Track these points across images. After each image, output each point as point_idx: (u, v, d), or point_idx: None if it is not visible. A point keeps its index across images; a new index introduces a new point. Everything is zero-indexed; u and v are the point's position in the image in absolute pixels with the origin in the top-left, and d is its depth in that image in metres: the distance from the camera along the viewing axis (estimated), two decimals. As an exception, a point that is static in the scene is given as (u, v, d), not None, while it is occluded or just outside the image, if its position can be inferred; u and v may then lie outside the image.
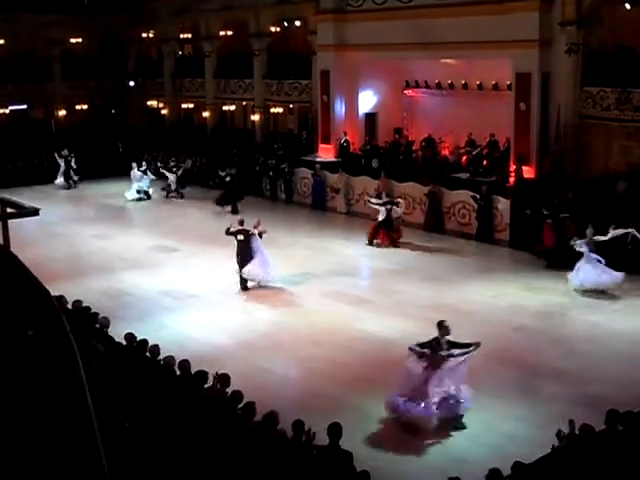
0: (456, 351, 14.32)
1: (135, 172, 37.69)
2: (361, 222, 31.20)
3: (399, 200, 28.54)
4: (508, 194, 27.61)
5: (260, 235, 22.61)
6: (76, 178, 41.03)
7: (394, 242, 27.65)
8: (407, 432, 14.10)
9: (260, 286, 22.98)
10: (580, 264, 22.03)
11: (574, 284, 22.10)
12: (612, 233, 22.18)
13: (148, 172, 38.36)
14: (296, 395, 15.83)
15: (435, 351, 14.22)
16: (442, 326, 14.44)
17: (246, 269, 22.51)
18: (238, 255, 22.73)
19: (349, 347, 18.34)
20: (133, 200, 37.23)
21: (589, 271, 21.88)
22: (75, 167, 41.11)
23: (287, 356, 18.05)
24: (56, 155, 40.92)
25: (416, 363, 14.53)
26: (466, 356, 14.39)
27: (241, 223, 23.01)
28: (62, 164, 40.87)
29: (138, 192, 37.39)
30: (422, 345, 14.46)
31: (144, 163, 38.83)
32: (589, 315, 20.29)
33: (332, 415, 12.16)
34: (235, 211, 33.09)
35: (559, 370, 16.58)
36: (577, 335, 18.93)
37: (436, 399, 14.14)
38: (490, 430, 14.15)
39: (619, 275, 21.75)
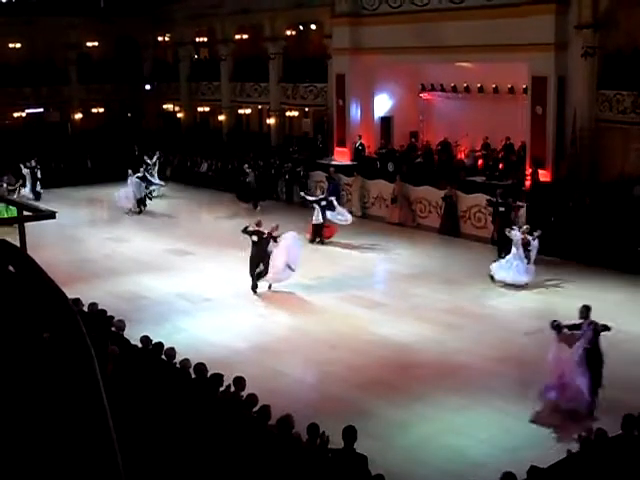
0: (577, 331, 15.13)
1: (133, 179, 35.69)
2: (376, 225, 31.21)
3: (332, 199, 28.85)
4: (524, 198, 27.52)
5: (275, 239, 22.57)
6: (40, 189, 38.18)
7: (322, 239, 28.39)
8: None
9: (271, 289, 22.95)
10: (508, 258, 22.98)
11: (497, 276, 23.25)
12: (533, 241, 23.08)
13: (146, 176, 36.86)
14: (311, 398, 15.82)
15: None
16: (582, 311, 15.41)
17: (270, 271, 22.61)
18: (251, 256, 22.75)
19: (365, 351, 18.31)
20: (132, 211, 35.36)
21: (505, 266, 23.08)
22: (40, 178, 38.53)
23: (302, 360, 18.05)
24: (21, 166, 38.13)
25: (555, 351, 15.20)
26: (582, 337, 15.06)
27: (258, 224, 23.02)
28: (28, 175, 37.95)
29: (139, 202, 35.48)
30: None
31: (142, 169, 36.92)
32: (607, 319, 20.16)
33: (347, 418, 12.14)
34: (255, 206, 34.12)
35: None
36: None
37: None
38: (506, 434, 14.11)
39: (524, 278, 22.80)
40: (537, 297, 22.11)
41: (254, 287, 22.80)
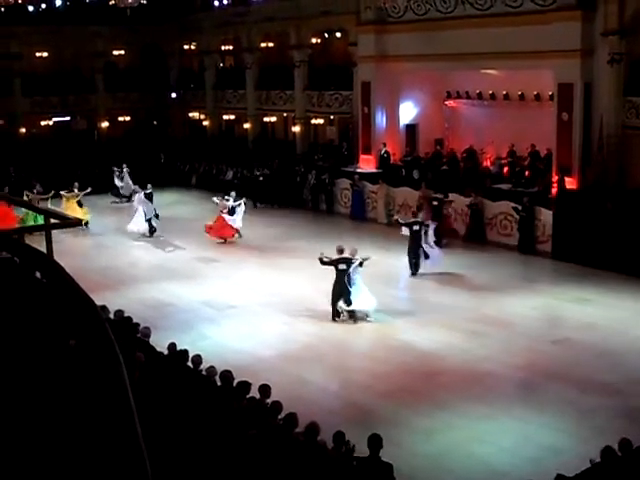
0: None
1: (140, 196, 32.30)
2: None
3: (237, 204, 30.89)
4: (550, 205, 27.41)
5: (361, 264, 21.00)
6: None
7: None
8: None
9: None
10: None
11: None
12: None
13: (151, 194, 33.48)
14: (336, 406, 15.81)
15: None
16: None
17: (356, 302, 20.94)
18: (336, 285, 21.03)
19: (389, 358, 18.29)
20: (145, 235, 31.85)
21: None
22: None
23: (327, 367, 18.02)
24: None
25: None
26: None
27: (340, 251, 21.25)
28: None
29: (149, 223, 31.91)
30: None
31: (149, 186, 33.52)
32: (633, 328, 20.05)
33: (372, 426, 12.13)
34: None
35: (602, 383, 16.42)
36: (621, 347, 18.69)
37: None
38: (532, 443, 14.04)
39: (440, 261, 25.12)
40: (565, 306, 21.99)
41: (335, 315, 21.21)
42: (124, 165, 39.35)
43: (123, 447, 2.76)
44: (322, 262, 21.19)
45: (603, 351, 18.44)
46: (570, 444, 13.82)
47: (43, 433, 2.84)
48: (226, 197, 31.17)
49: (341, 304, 21.02)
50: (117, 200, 39.41)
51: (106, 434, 2.77)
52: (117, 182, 39.06)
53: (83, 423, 2.83)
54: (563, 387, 16.43)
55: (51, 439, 2.83)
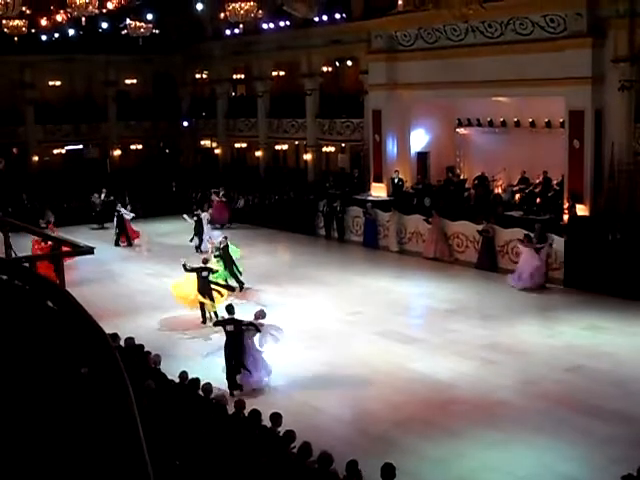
0: None
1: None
2: (413, 260, 31.11)
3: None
4: (562, 232, 27.32)
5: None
6: None
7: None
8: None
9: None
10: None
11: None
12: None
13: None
14: (348, 435, 15.70)
15: None
16: None
17: None
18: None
19: (401, 387, 18.18)
20: None
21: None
22: None
23: (339, 396, 17.92)
24: None
25: None
26: None
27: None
28: None
29: None
30: None
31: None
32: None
33: (385, 455, 12.04)
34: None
35: (616, 411, 16.28)
36: (635, 375, 18.54)
37: None
38: (546, 471, 13.93)
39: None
40: (578, 333, 21.82)
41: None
42: None
43: (131, 476, 2.73)
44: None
45: (617, 379, 18.31)
46: (585, 473, 13.71)
47: (51, 461, 2.81)
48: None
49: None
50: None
51: (114, 462, 2.75)
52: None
53: (91, 450, 2.80)
54: (577, 415, 16.30)
55: (59, 467, 2.80)
